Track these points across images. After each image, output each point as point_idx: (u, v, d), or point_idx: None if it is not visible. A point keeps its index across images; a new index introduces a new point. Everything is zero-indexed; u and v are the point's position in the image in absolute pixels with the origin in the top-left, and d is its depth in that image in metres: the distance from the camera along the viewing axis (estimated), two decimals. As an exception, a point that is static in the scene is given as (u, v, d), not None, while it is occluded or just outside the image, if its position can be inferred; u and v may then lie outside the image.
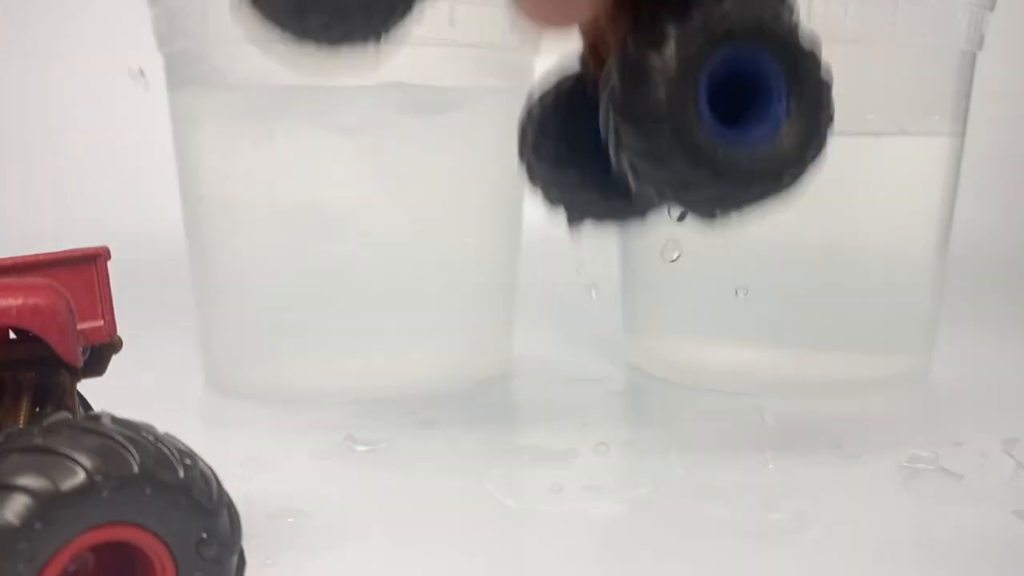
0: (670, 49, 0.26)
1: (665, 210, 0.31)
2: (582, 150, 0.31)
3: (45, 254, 0.25)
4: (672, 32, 0.26)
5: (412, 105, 0.44)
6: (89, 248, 0.25)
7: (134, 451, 0.21)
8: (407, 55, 0.42)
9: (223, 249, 0.46)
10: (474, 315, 0.48)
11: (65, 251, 0.25)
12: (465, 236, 0.46)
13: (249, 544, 0.24)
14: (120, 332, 0.26)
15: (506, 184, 0.49)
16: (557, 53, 0.31)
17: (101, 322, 0.25)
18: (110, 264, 0.26)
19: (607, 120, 0.27)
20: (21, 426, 0.24)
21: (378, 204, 0.44)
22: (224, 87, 0.45)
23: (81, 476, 0.20)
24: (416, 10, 0.25)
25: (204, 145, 0.46)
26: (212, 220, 0.46)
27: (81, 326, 0.25)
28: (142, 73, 0.43)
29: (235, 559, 0.23)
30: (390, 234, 0.45)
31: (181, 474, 0.21)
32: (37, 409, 0.25)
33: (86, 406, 0.28)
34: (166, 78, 0.47)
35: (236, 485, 0.34)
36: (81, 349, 0.25)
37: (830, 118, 0.28)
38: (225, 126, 0.45)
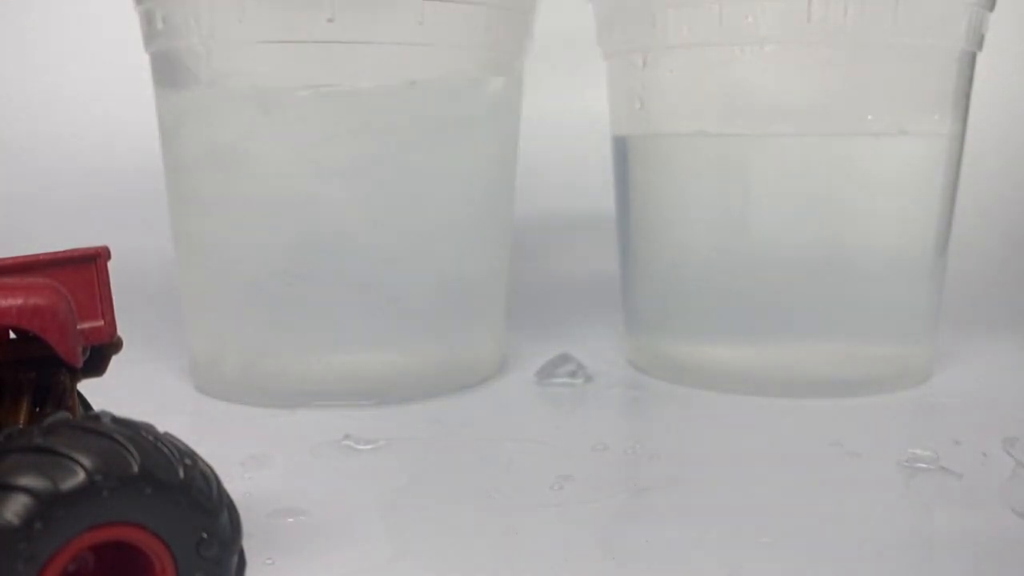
0: None
1: None
2: None
3: (45, 254, 0.25)
4: None
5: (426, 104, 0.44)
6: (89, 248, 0.25)
7: (134, 451, 0.21)
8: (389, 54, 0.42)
9: (204, 246, 0.46)
10: (471, 313, 0.48)
11: (65, 251, 0.25)
12: (459, 235, 0.46)
13: (249, 544, 0.24)
14: (120, 332, 0.26)
15: (499, 182, 0.49)
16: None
17: (101, 322, 0.25)
18: (110, 264, 0.26)
19: None
20: (21, 426, 0.24)
21: (372, 203, 0.44)
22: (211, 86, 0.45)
23: (81, 476, 0.20)
24: None
25: (188, 142, 0.46)
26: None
27: (81, 326, 0.25)
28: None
29: (235, 559, 0.23)
30: (384, 233, 0.45)
31: (181, 474, 0.21)
32: (37, 409, 0.25)
33: (86, 406, 0.28)
34: (152, 78, 0.47)
35: (236, 485, 0.34)
36: (81, 349, 0.25)
37: None
38: (210, 125, 0.45)
